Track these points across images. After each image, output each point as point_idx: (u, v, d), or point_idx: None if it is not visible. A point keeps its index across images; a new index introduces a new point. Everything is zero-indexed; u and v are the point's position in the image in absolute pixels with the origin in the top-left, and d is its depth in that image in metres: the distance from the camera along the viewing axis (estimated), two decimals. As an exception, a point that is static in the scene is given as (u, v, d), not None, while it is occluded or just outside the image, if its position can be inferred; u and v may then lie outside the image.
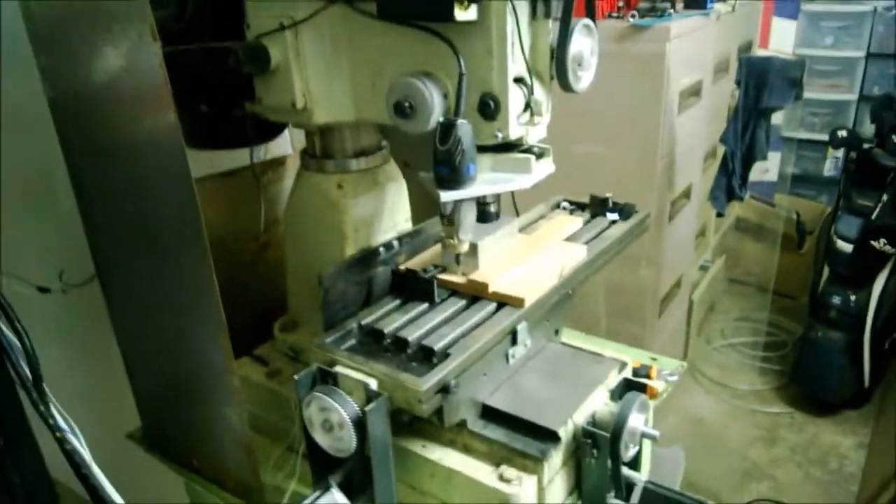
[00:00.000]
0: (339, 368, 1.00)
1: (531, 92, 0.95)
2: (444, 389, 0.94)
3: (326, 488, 0.99)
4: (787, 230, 3.36)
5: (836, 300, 2.59)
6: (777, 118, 3.08)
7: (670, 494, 1.05)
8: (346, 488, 1.00)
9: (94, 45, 0.93)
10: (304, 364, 1.12)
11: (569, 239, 1.32)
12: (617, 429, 1.00)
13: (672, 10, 1.99)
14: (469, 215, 0.98)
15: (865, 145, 2.36)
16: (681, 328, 2.83)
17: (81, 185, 1.13)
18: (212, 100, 1.15)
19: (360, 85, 1.04)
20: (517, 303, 1.10)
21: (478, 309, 1.11)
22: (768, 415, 2.75)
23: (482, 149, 0.97)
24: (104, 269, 1.18)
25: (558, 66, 0.95)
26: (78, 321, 1.34)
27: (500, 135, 0.93)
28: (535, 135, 0.99)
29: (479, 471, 1.01)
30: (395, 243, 1.24)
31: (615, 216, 1.45)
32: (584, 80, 1.00)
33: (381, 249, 1.22)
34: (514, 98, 0.93)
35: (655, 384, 1.34)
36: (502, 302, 1.11)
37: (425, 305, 1.13)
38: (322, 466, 1.02)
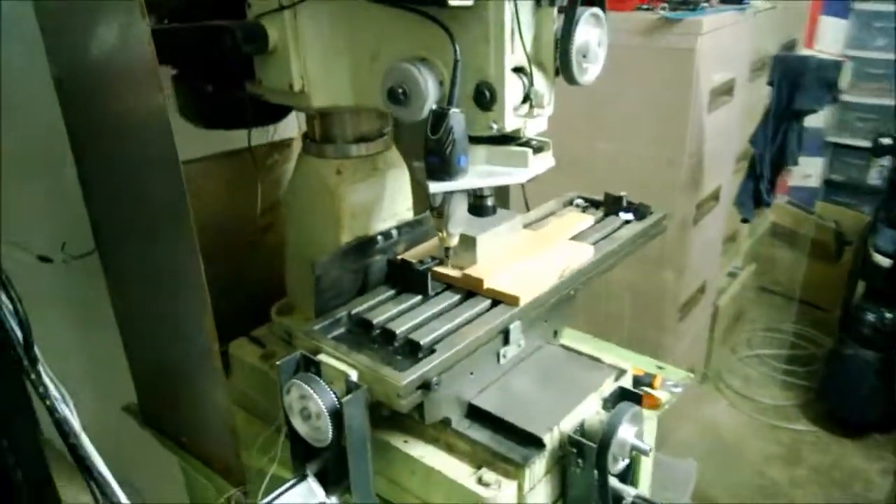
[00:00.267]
0: (322, 357, 0.98)
1: (531, 83, 0.91)
2: (425, 386, 0.91)
3: (302, 477, 0.98)
4: (826, 239, 3.23)
5: (871, 317, 2.48)
6: (819, 121, 2.96)
7: (658, 510, 1.01)
8: (323, 478, 0.98)
9: (88, 23, 0.92)
10: (296, 349, 1.11)
11: (576, 237, 1.28)
12: (604, 440, 0.96)
13: (706, 4, 1.92)
14: (459, 208, 0.95)
15: (910, 155, 2.25)
16: (703, 335, 2.75)
17: (82, 160, 1.13)
18: (213, 79, 1.14)
19: (359, 69, 1.01)
20: (512, 301, 1.06)
21: (472, 305, 1.08)
22: (791, 432, 2.66)
23: (478, 140, 0.94)
24: (102, 244, 1.19)
25: (562, 57, 0.91)
26: (80, 292, 1.34)
27: (495, 126, 0.89)
28: (534, 127, 0.95)
29: (458, 471, 0.98)
30: (395, 233, 1.21)
31: (629, 216, 1.40)
32: (590, 72, 0.96)
33: (379, 238, 1.20)
34: (512, 88, 0.89)
35: (659, 394, 1.29)
36: (497, 299, 1.08)
37: (419, 298, 1.11)
38: (301, 454, 1.00)
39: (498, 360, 1.07)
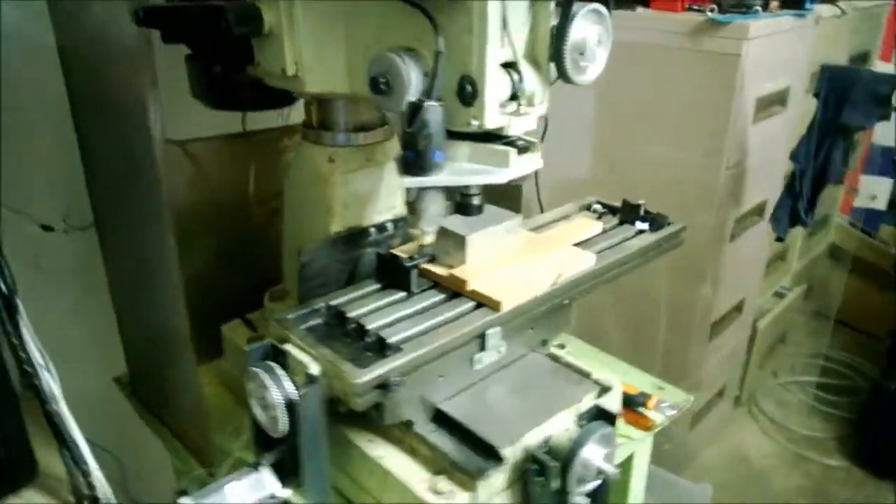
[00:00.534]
0: (288, 347, 0.96)
1: (521, 79, 0.86)
2: (383, 386, 0.89)
3: (255, 467, 0.96)
4: (885, 265, 3.04)
5: (921, 351, 2.32)
6: (889, 139, 2.77)
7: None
8: (281, 470, 0.97)
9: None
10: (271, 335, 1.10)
11: (582, 244, 1.23)
12: (566, 459, 0.91)
13: (760, 8, 1.80)
14: (433, 205, 0.91)
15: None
16: (738, 356, 2.63)
17: (81, 133, 1.14)
18: (217, 60, 1.13)
19: (356, 57, 0.98)
20: (493, 305, 1.02)
21: (454, 305, 1.04)
22: (823, 466, 2.52)
23: (462, 136, 0.90)
24: (98, 217, 1.20)
25: (556, 54, 0.86)
26: (81, 262, 1.37)
27: (475, 122, 0.85)
28: (521, 126, 0.90)
29: (413, 477, 0.95)
30: (390, 226, 1.19)
31: (645, 226, 1.34)
32: (589, 72, 0.90)
33: (372, 230, 1.17)
34: (496, 84, 0.84)
35: (654, 415, 1.23)
36: (480, 302, 1.04)
37: (403, 294, 1.08)
38: (262, 443, 0.99)
39: (471, 364, 1.03)
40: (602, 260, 1.17)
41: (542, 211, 1.54)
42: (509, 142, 0.90)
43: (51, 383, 1.10)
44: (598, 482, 0.97)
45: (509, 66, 0.86)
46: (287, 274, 1.29)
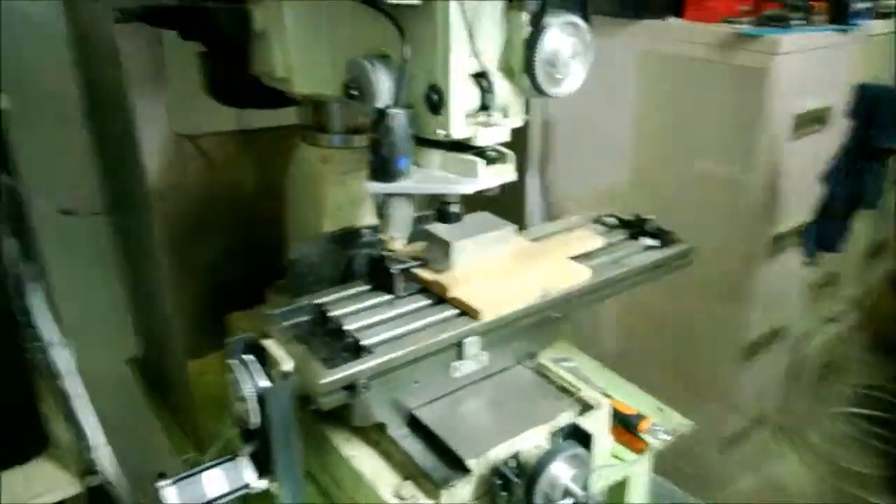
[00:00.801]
0: (266, 342, 0.99)
1: (489, 90, 0.86)
2: (350, 388, 0.90)
3: (233, 456, 0.99)
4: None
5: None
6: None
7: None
8: (259, 461, 1.00)
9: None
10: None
11: (580, 257, 1.21)
12: (531, 476, 0.90)
13: (801, 22, 1.73)
14: (400, 212, 0.92)
15: None
16: (780, 383, 2.52)
17: (92, 124, 1.21)
18: (221, 58, 1.17)
19: (339, 61, 1.00)
20: (473, 314, 1.02)
21: (437, 311, 1.05)
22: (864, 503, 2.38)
23: (435, 144, 0.91)
24: (108, 204, 1.26)
25: (527, 65, 0.85)
26: (101, 246, 1.44)
27: (441, 132, 0.86)
28: (491, 137, 0.89)
29: (381, 480, 0.96)
30: (384, 228, 1.20)
31: (655, 242, 1.31)
32: (564, 84, 0.89)
33: (366, 232, 1.19)
34: (462, 94, 0.85)
35: (650, 439, 1.20)
36: (462, 310, 1.04)
37: (389, 297, 1.09)
38: (243, 435, 1.02)
39: (449, 373, 1.03)
40: (598, 275, 1.15)
41: (548, 220, 1.53)
42: (481, 152, 0.90)
43: (61, 360, 1.17)
44: (570, 502, 0.95)
45: (481, 76, 0.87)
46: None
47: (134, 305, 1.38)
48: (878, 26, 1.97)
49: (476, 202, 1.16)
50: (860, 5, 1.83)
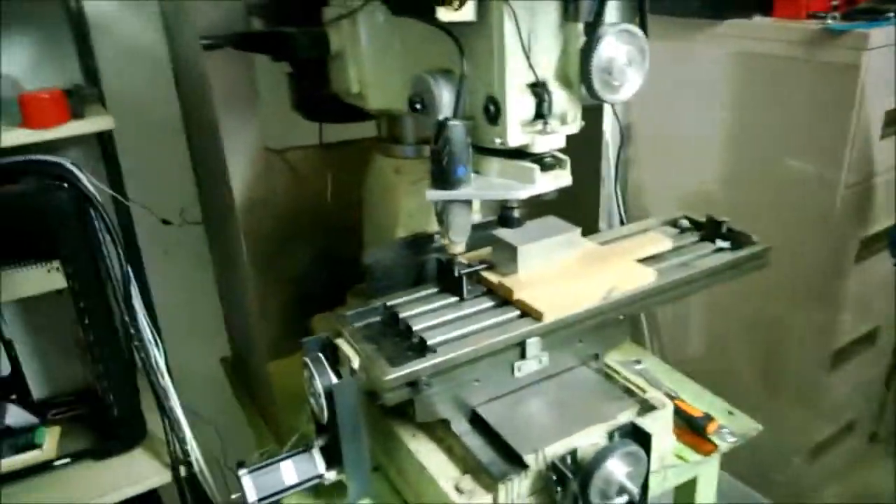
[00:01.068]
0: (339, 341, 1.06)
1: (547, 99, 0.89)
2: (412, 384, 0.95)
3: (307, 448, 1.07)
4: None
5: None
6: None
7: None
8: (328, 454, 1.07)
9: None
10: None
11: (649, 260, 1.22)
12: (586, 472, 0.92)
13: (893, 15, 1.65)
14: (459, 218, 0.96)
15: None
16: (874, 390, 2.39)
17: (190, 142, 1.32)
18: (302, 78, 1.25)
19: (409, 77, 1.06)
20: (536, 315, 1.05)
21: (502, 313, 1.08)
22: (969, 520, 2.22)
23: (494, 152, 0.94)
24: (204, 215, 1.37)
25: (583, 73, 0.88)
26: (198, 253, 1.55)
27: (498, 141, 0.89)
28: (546, 144, 0.92)
29: (442, 473, 1.00)
30: (455, 234, 1.25)
31: (726, 244, 1.30)
32: (621, 91, 0.91)
33: (437, 237, 1.24)
34: (518, 104, 0.88)
35: (717, 440, 1.19)
36: (525, 312, 1.07)
37: (455, 299, 1.14)
38: (316, 428, 1.09)
39: (512, 372, 1.07)
40: (663, 277, 1.15)
41: (622, 223, 1.53)
42: (538, 159, 0.93)
43: (157, 357, 1.29)
44: (626, 500, 0.97)
45: (537, 85, 0.90)
46: (366, 274, 1.40)
47: (226, 309, 1.48)
48: None
49: (550, 208, 1.19)
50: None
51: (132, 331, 1.24)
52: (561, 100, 0.91)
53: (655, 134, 2.20)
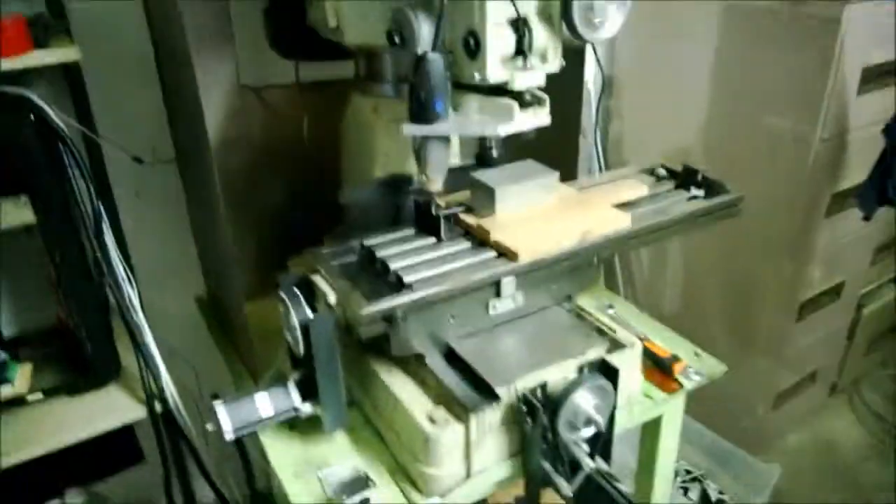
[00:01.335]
0: (315, 277, 1.06)
1: (526, 34, 0.89)
2: (388, 319, 0.96)
3: (283, 382, 1.08)
4: None
5: None
6: None
7: (610, 489, 0.98)
8: (304, 388, 1.08)
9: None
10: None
11: (624, 206, 1.23)
12: (556, 403, 0.95)
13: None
14: (437, 153, 0.96)
15: None
16: (837, 341, 2.47)
17: (162, 78, 1.29)
18: (283, 12, 1.23)
19: (387, 11, 1.04)
20: (512, 256, 1.06)
21: (478, 253, 1.09)
22: (922, 465, 2.34)
23: (473, 88, 0.94)
24: (177, 153, 1.35)
25: (563, 10, 0.87)
26: (171, 192, 1.54)
27: (477, 76, 0.89)
28: (528, 81, 0.92)
29: (416, 405, 1.02)
30: (433, 175, 1.25)
31: (700, 192, 1.32)
32: (602, 30, 0.91)
33: (415, 179, 1.24)
34: (498, 39, 0.87)
35: (682, 380, 1.23)
36: (502, 252, 1.09)
37: (433, 240, 1.14)
38: (292, 362, 1.11)
39: (487, 310, 1.08)
40: (638, 222, 1.17)
41: (601, 171, 1.54)
42: (517, 96, 0.93)
43: (131, 294, 1.28)
44: (593, 431, 1.00)
45: (518, 20, 0.89)
46: (343, 215, 1.40)
47: (201, 248, 1.48)
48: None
49: (529, 154, 1.19)
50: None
51: (104, 267, 1.23)
52: (541, 36, 0.91)
53: (639, 85, 2.19)
